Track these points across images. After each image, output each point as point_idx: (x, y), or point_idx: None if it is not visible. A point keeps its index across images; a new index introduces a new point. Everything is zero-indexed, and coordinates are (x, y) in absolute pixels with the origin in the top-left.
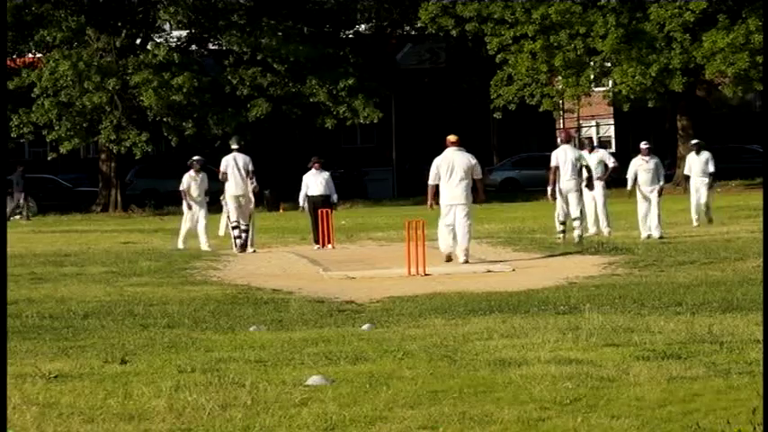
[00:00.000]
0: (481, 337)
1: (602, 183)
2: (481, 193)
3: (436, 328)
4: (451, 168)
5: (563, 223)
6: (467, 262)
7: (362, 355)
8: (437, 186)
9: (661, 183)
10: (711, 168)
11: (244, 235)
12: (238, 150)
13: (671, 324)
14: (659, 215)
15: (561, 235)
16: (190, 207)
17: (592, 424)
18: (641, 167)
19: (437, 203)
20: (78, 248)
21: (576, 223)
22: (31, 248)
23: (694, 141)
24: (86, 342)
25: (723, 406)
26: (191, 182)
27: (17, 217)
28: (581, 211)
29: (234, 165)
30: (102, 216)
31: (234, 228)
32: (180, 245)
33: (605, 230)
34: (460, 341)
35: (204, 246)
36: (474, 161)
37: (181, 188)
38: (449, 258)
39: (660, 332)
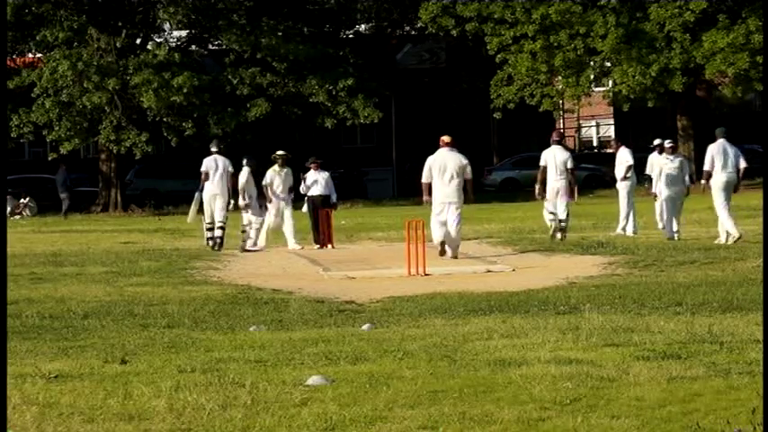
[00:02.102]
0: (481, 337)
1: (626, 182)
2: (470, 193)
3: (436, 328)
4: (444, 168)
5: (552, 213)
6: (455, 257)
7: (362, 355)
8: (430, 184)
9: (687, 183)
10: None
11: (219, 232)
12: (218, 153)
13: (671, 324)
14: (678, 216)
15: (552, 224)
16: (265, 205)
17: (592, 424)
18: (666, 166)
19: (431, 199)
20: (78, 248)
21: (562, 224)
22: (31, 248)
23: (657, 142)
24: (86, 342)
25: (723, 406)
26: (274, 177)
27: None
28: (567, 212)
29: (214, 166)
30: (102, 216)
31: (208, 230)
32: (261, 242)
33: (629, 231)
34: (460, 341)
35: (292, 245)
36: (465, 161)
37: (264, 183)
38: (442, 249)
39: (660, 332)
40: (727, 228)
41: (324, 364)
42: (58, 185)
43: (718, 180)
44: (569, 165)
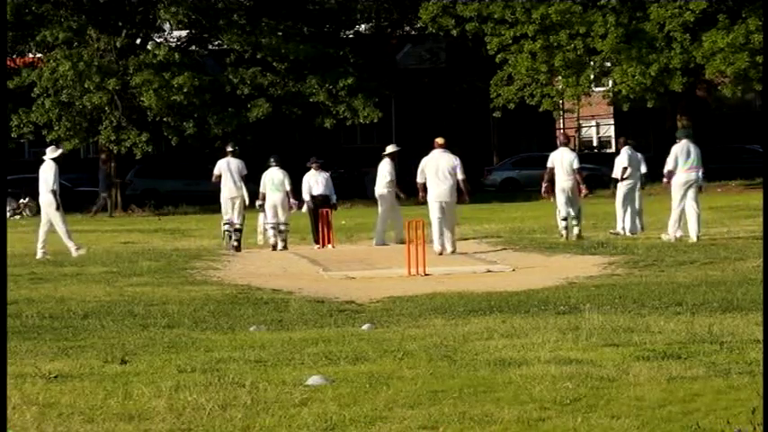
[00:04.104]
0: (481, 337)
1: (623, 183)
2: (465, 193)
3: (436, 328)
4: (437, 169)
5: (565, 219)
6: (454, 252)
7: (362, 355)
8: (424, 184)
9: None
10: (644, 169)
11: (237, 234)
12: (233, 155)
13: (671, 324)
14: (699, 215)
15: (564, 231)
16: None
17: (592, 424)
18: None
19: (425, 198)
20: None
21: (575, 222)
22: (31, 248)
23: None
24: (86, 342)
25: (723, 406)
26: (391, 171)
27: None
28: (579, 210)
29: (227, 168)
30: (102, 216)
31: (226, 224)
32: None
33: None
34: (460, 341)
35: (378, 242)
36: (457, 162)
37: (390, 178)
38: (441, 252)
39: (660, 332)
40: (669, 226)
41: (324, 364)
42: (99, 184)
43: (679, 179)
44: (575, 165)
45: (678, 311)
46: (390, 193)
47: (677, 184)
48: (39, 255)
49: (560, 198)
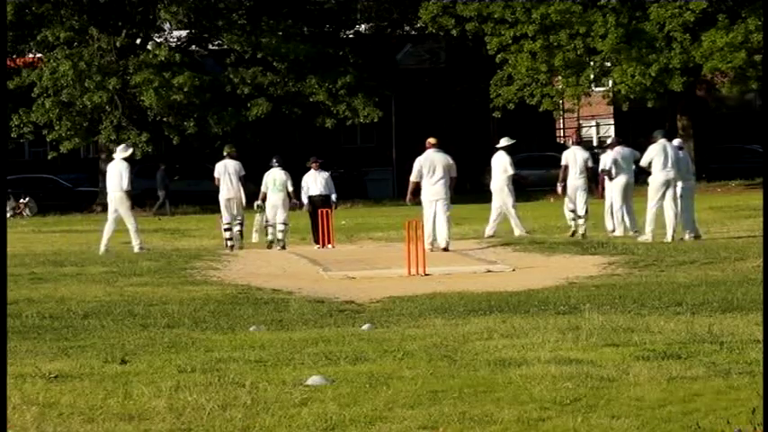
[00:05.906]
0: (481, 337)
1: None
2: (451, 190)
3: (436, 328)
4: (432, 168)
5: (573, 211)
6: (446, 249)
7: (362, 355)
8: (418, 184)
9: (692, 179)
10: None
11: (238, 233)
12: (230, 157)
13: (671, 324)
14: (677, 215)
15: (572, 222)
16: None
17: (592, 424)
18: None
19: (415, 201)
20: (78, 248)
21: (581, 221)
22: (31, 248)
23: (610, 141)
24: (86, 342)
25: (723, 406)
26: (512, 163)
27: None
28: (586, 210)
29: (225, 171)
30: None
31: (226, 230)
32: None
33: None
34: (460, 341)
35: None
36: (451, 161)
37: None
38: (432, 248)
39: (660, 332)
40: (646, 227)
41: (324, 364)
42: (158, 184)
43: (657, 179)
44: (590, 164)
45: (678, 311)
46: (509, 186)
47: (655, 184)
48: (101, 250)
49: (571, 195)
